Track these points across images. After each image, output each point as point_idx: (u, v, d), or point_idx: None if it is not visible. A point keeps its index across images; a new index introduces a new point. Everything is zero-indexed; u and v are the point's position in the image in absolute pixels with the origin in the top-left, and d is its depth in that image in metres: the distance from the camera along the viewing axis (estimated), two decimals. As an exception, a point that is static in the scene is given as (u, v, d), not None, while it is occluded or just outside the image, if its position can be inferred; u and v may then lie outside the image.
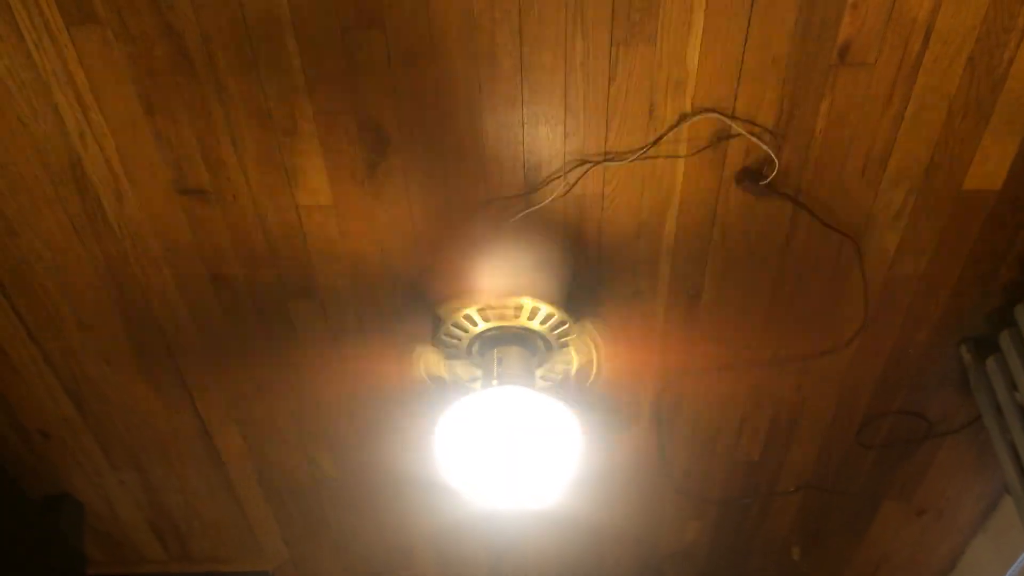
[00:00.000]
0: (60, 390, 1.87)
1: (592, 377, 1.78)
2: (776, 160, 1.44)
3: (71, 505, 2.16)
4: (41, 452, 2.03)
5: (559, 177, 1.49)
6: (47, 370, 1.82)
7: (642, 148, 1.44)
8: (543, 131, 1.43)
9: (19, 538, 2.01)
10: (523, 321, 1.61)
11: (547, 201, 1.51)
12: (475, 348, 1.67)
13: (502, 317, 1.60)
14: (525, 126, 1.42)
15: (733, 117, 1.40)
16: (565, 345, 1.69)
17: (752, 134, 1.41)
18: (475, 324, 1.62)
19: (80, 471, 2.09)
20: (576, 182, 1.49)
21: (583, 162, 1.47)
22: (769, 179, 1.46)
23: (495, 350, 1.63)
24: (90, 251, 1.59)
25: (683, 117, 1.41)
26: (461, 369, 1.74)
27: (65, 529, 2.13)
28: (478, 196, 1.52)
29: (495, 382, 1.58)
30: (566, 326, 1.64)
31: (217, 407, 1.92)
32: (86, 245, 1.58)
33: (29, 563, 1.98)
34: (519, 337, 1.63)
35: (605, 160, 1.46)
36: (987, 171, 1.46)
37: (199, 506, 2.22)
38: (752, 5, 1.28)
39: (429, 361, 1.74)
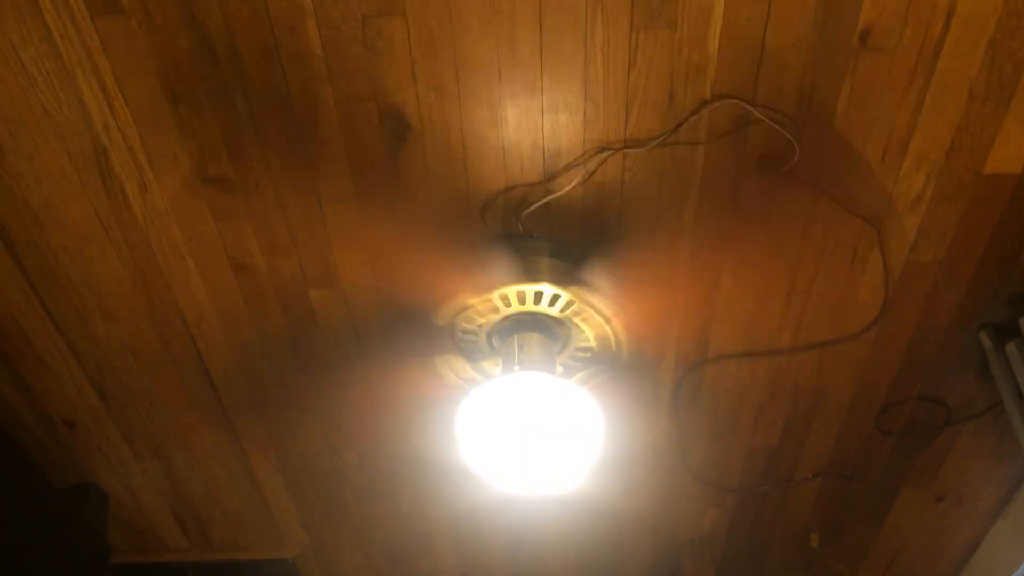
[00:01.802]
0: (85, 380, 1.90)
1: (612, 351, 1.77)
2: (796, 146, 1.44)
3: (95, 494, 2.19)
4: (66, 441, 2.06)
5: (579, 165, 1.49)
6: (72, 360, 1.85)
7: (662, 135, 1.44)
8: (563, 118, 1.43)
9: (44, 526, 2.04)
10: (543, 308, 1.61)
11: (567, 189, 1.51)
12: (495, 340, 1.67)
13: (522, 304, 1.60)
14: (545, 113, 1.43)
15: (753, 103, 1.40)
16: (583, 330, 1.69)
17: (772, 120, 1.41)
18: (496, 311, 1.62)
19: (104, 460, 2.12)
20: (596, 169, 1.49)
21: (603, 149, 1.47)
22: (789, 165, 1.46)
23: (515, 336, 1.63)
24: (114, 241, 1.61)
25: (703, 103, 1.41)
26: (488, 366, 1.76)
27: (89, 518, 2.15)
28: (498, 184, 1.52)
29: (516, 368, 1.58)
30: (584, 311, 1.64)
31: (239, 397, 1.94)
32: (110, 235, 1.60)
33: (54, 551, 2.00)
34: (539, 324, 1.63)
35: (625, 147, 1.46)
36: (1008, 155, 1.45)
37: (221, 495, 2.24)
38: (772, -10, 1.28)
39: (454, 366, 1.76)
